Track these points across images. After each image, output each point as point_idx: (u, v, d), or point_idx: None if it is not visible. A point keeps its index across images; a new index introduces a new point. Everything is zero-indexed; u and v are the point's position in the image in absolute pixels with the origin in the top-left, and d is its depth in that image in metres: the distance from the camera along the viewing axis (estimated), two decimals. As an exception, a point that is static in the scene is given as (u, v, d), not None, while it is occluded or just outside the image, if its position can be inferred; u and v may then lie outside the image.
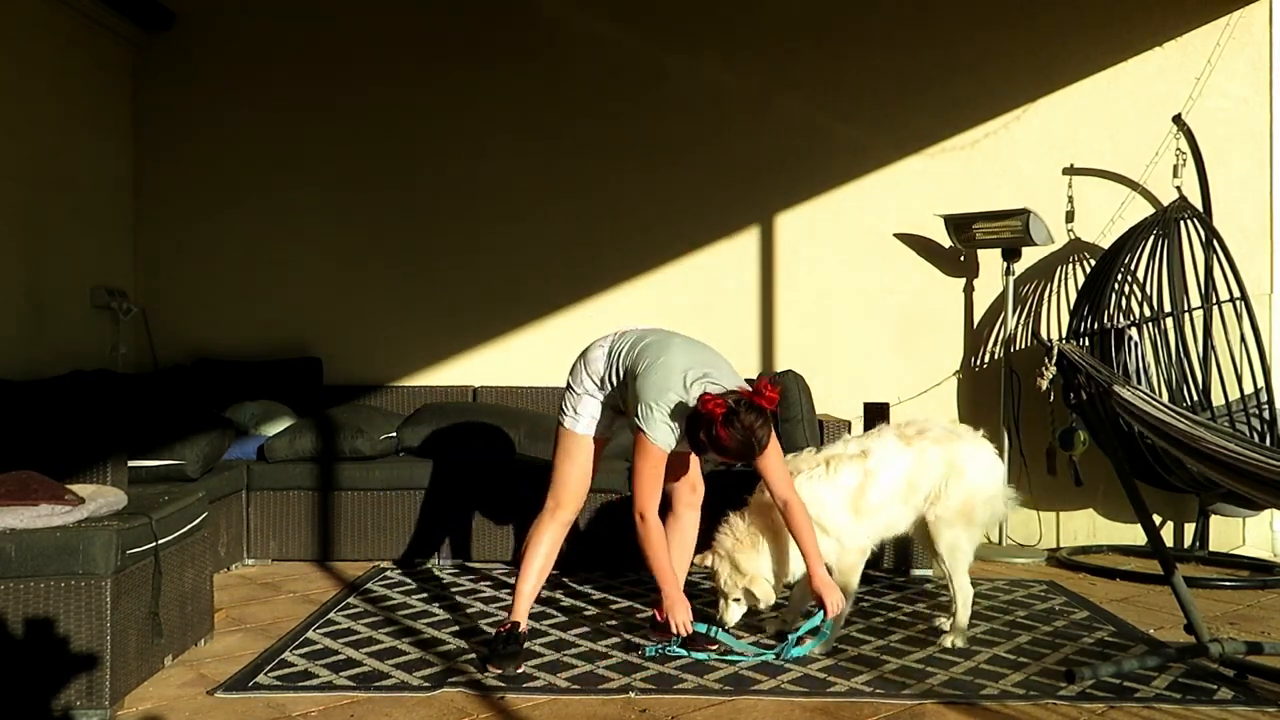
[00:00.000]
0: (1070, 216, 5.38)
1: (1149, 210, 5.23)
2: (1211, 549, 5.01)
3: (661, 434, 3.16)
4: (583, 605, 4.06)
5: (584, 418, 3.40)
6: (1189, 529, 5.13)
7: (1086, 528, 5.42)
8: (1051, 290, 5.46)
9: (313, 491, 4.81)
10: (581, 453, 3.42)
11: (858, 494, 3.47)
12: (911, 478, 3.52)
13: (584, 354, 3.48)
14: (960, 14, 5.51)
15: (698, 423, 3.09)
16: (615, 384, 3.36)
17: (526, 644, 3.44)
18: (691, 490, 3.61)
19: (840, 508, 3.47)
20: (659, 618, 3.38)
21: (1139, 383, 4.65)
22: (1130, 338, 4.79)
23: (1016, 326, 5.39)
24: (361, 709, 2.94)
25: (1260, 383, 4.77)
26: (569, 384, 3.46)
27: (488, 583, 4.44)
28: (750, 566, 3.39)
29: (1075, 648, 3.49)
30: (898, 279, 5.58)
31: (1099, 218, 5.40)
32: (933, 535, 3.59)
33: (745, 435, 3.05)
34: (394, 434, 5.04)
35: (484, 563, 4.78)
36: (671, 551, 3.43)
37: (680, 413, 3.15)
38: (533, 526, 3.46)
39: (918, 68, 5.53)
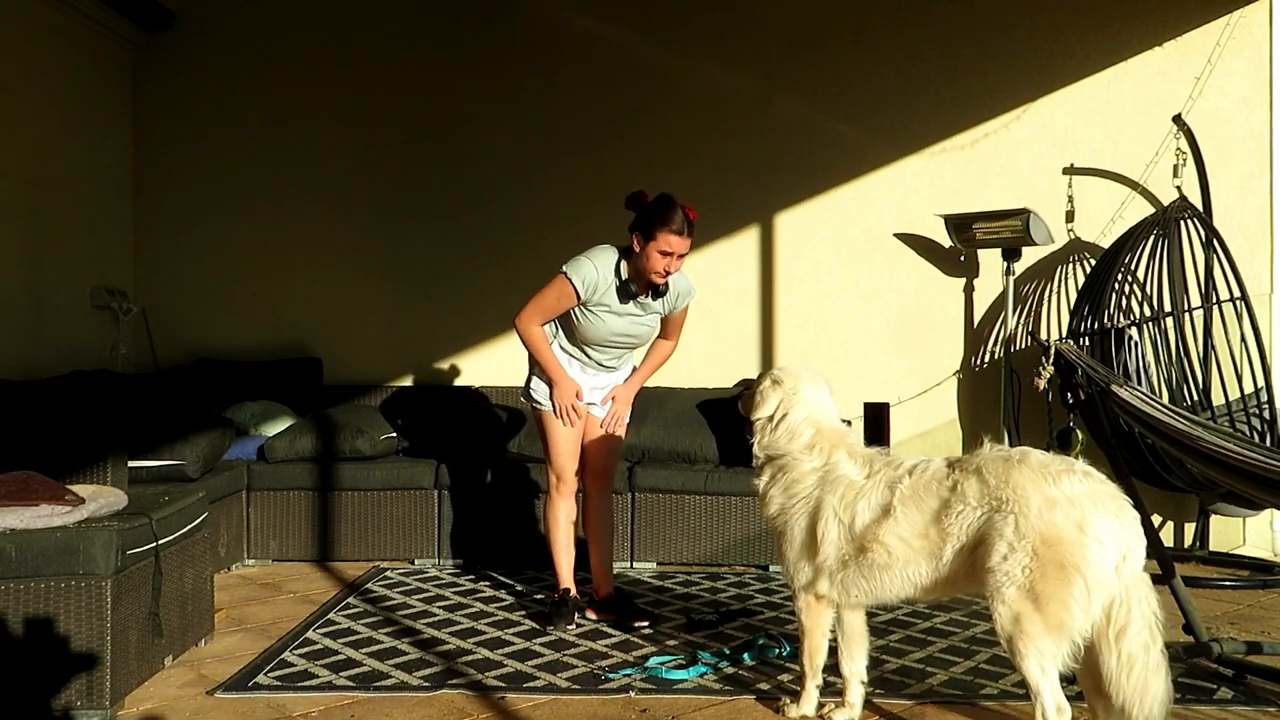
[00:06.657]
0: (1070, 216, 5.38)
1: (1149, 210, 5.22)
2: (1211, 549, 5.00)
3: (585, 269, 3.52)
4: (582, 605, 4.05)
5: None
6: (1189, 529, 5.13)
7: (1086, 528, 5.41)
8: (1051, 290, 5.45)
9: (312, 491, 4.81)
10: (559, 426, 3.73)
11: None
12: None
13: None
14: (960, 14, 5.50)
15: (642, 211, 3.51)
16: (573, 319, 3.65)
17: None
18: (598, 478, 3.89)
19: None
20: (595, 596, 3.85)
21: (1139, 383, 4.65)
22: (1130, 337, 4.78)
23: (1017, 326, 5.39)
24: (361, 709, 2.94)
25: (1260, 383, 4.77)
26: (532, 374, 3.81)
27: (487, 583, 4.44)
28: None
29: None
30: (898, 279, 5.57)
31: (1099, 218, 5.39)
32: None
33: (672, 203, 3.50)
34: (394, 434, 5.04)
35: (483, 563, 4.77)
36: (593, 532, 3.87)
37: (605, 261, 3.56)
38: (545, 509, 3.86)
39: (918, 68, 5.53)
